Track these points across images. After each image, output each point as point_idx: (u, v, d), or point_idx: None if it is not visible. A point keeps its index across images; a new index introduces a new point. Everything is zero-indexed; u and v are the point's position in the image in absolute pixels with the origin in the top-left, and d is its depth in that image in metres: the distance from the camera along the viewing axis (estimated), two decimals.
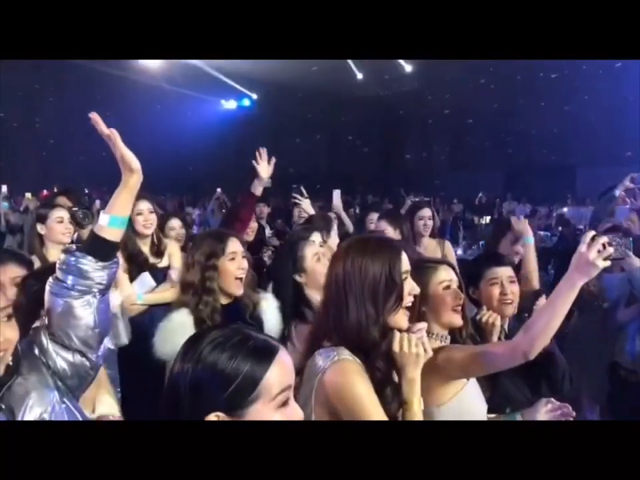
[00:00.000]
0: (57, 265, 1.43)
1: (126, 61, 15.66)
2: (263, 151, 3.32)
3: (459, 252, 4.43)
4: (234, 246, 2.47)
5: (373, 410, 1.53)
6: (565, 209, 13.47)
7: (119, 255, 1.51)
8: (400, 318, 1.63)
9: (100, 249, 1.43)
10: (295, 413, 1.11)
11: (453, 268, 2.06)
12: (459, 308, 1.98)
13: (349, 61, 17.99)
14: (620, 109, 15.36)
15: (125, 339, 3.02)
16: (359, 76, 19.17)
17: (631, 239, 1.62)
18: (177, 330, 2.29)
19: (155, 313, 2.98)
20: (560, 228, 9.54)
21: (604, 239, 1.59)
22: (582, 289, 1.60)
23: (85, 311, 1.41)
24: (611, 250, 1.58)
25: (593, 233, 1.62)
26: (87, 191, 13.40)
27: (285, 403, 1.08)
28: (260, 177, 3.26)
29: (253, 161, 3.28)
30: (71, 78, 17.92)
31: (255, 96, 21.79)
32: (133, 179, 1.49)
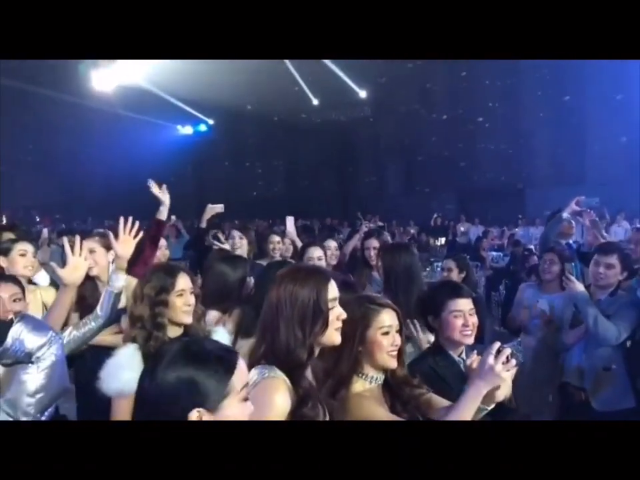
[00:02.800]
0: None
1: (81, 86, 15.41)
2: (152, 183, 3.70)
3: None
4: (183, 282, 2.44)
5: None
6: (517, 229, 13.90)
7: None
8: (331, 336, 1.74)
9: None
10: (250, 407, 1.33)
11: (396, 311, 2.06)
12: (395, 352, 1.99)
13: (305, 87, 18.24)
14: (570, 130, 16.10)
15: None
16: (315, 101, 19.45)
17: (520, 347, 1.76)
18: (124, 365, 2.24)
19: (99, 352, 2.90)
20: (511, 248, 9.81)
21: (508, 351, 1.71)
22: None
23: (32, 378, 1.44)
24: (514, 362, 1.72)
25: (498, 344, 1.74)
26: (38, 219, 13.08)
27: (245, 398, 1.30)
28: (163, 202, 3.64)
29: (152, 191, 3.66)
30: (22, 102, 17.55)
31: (211, 121, 21.79)
32: (66, 293, 1.47)
